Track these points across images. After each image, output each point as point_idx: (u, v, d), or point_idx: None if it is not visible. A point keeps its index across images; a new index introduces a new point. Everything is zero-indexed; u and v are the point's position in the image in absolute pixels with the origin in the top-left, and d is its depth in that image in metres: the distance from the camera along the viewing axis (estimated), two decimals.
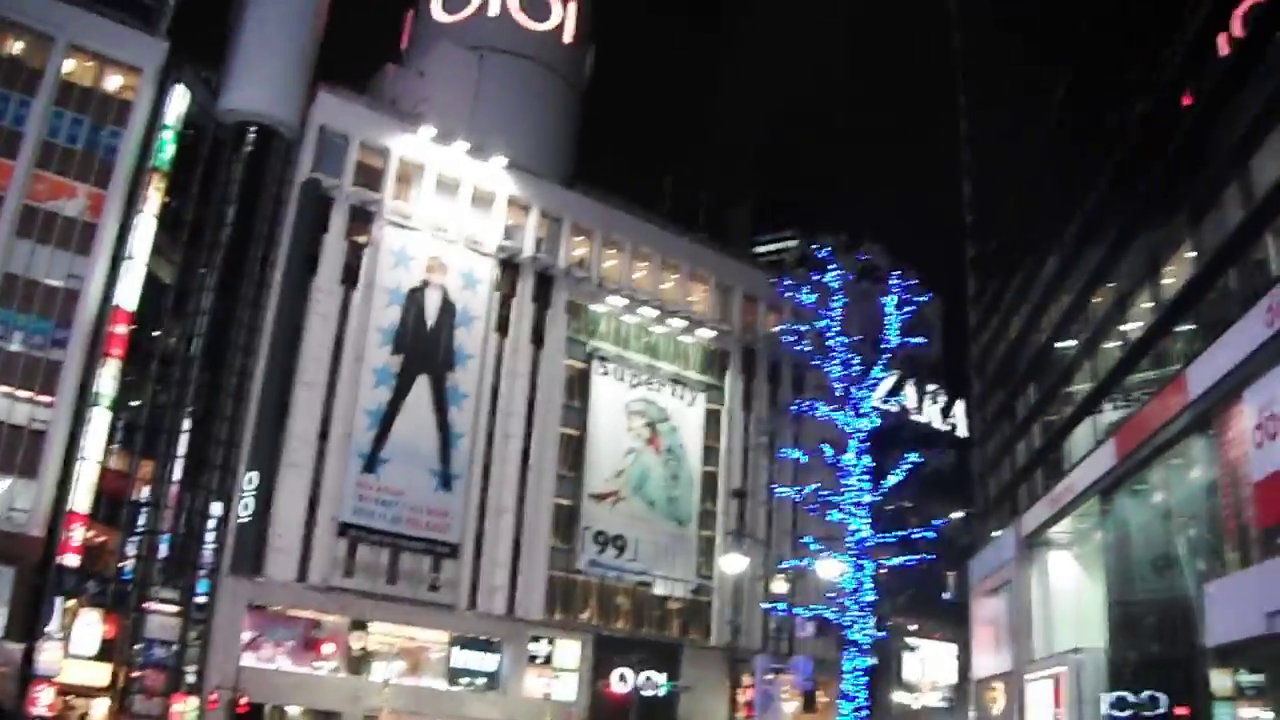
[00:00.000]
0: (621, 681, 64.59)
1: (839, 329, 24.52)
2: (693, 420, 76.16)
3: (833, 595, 24.81)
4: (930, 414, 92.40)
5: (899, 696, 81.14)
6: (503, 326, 69.24)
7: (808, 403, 25.99)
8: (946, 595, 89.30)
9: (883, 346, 24.58)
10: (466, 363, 66.99)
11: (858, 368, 24.64)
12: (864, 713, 22.67)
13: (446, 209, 68.10)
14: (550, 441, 69.53)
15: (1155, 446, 30.07)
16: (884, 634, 24.22)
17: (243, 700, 53.57)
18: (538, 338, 70.44)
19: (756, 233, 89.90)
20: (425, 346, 65.81)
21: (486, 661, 65.16)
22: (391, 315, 64.98)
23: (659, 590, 71.16)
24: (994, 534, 51.56)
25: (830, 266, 24.65)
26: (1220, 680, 26.23)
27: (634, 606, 71.44)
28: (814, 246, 24.57)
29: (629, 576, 70.08)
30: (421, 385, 65.14)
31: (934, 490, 64.27)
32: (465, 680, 64.20)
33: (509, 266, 70.13)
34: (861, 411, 24.27)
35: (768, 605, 34.58)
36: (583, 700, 66.91)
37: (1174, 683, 29.16)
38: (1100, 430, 36.38)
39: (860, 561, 23.32)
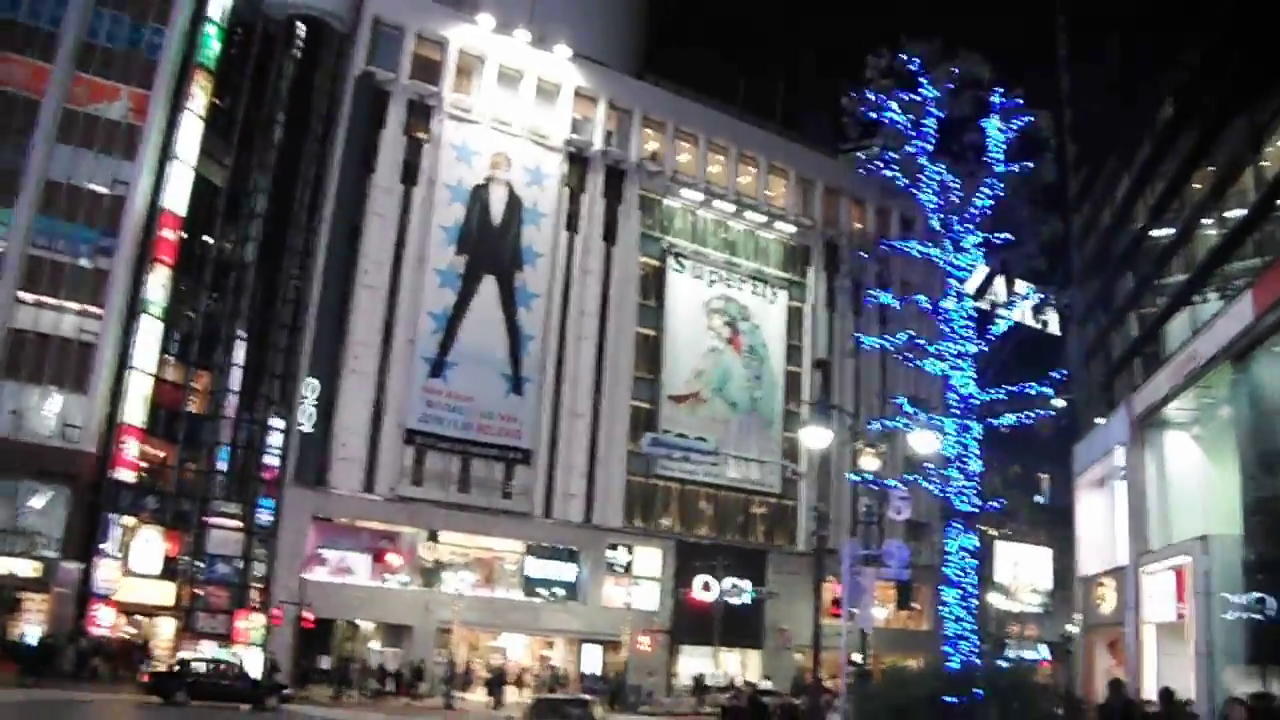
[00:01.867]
0: (705, 589, 62.45)
1: (934, 151, 20.59)
2: (775, 318, 72.71)
3: (931, 469, 21.25)
4: (1022, 312, 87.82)
5: (993, 599, 77.74)
6: (572, 223, 66.12)
7: (898, 242, 22.01)
8: (1040, 499, 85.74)
9: (987, 173, 20.60)
10: (535, 261, 64.02)
11: (957, 194, 20.67)
12: (973, 600, 19.24)
13: (509, 102, 64.83)
14: (625, 342, 66.52)
15: None
16: (997, 504, 20.62)
17: (308, 615, 51.44)
18: (610, 234, 67.24)
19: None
20: (491, 245, 62.92)
21: (563, 571, 62.86)
22: (455, 213, 62.11)
23: (732, 474, 68.57)
24: (1098, 421, 47.69)
25: (921, 79, 20.56)
26: None
27: (717, 512, 68.76)
28: (903, 57, 20.58)
29: (700, 474, 67.25)
30: (488, 286, 62.35)
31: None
32: (542, 590, 61.95)
33: (577, 161, 66.82)
34: (962, 247, 20.38)
35: (854, 477, 30.99)
36: (665, 609, 64.47)
37: None
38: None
39: (965, 423, 19.69)
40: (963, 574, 19.55)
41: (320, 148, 60.57)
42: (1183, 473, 36.44)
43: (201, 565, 55.03)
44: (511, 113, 64.62)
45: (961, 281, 20.26)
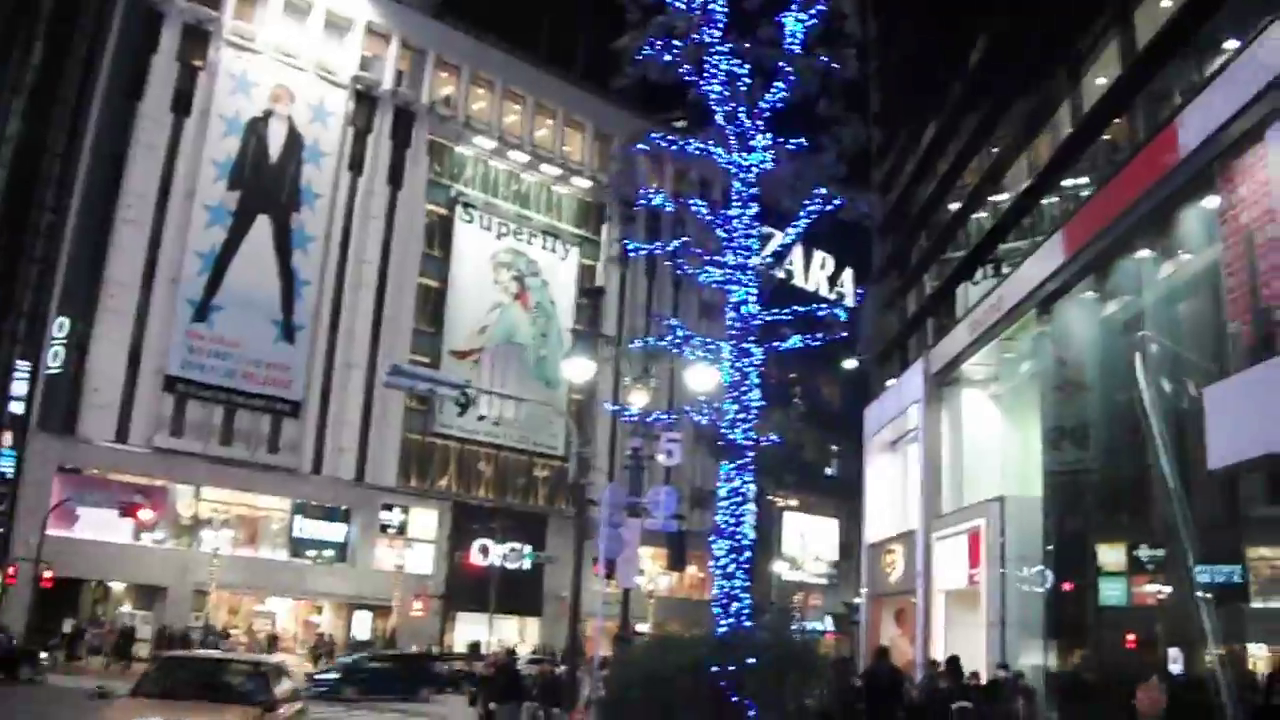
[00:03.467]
0: (482, 553, 60.21)
1: (726, 42, 18.22)
2: (565, 275, 70.68)
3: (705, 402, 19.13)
4: (817, 281, 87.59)
5: (780, 569, 77.53)
6: (356, 165, 62.67)
7: (678, 136, 19.48)
8: (830, 471, 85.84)
9: (781, 64, 18.31)
10: (314, 203, 60.46)
11: (745, 83, 18.40)
12: (746, 554, 17.26)
13: (295, 33, 60.95)
14: (407, 292, 63.57)
15: (1123, 232, 24.53)
16: (776, 439, 18.49)
17: (46, 574, 47.31)
18: (395, 179, 64.01)
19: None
20: (267, 183, 59.13)
21: (333, 531, 59.86)
22: (229, 147, 58.11)
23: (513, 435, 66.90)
24: (890, 382, 46.77)
25: None
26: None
27: (497, 473, 66.65)
28: None
29: (481, 433, 65.36)
30: (262, 226, 58.59)
31: (817, 357, 60.06)
32: (309, 552, 58.87)
33: (365, 99, 63.34)
34: (751, 146, 18.22)
35: (614, 408, 28.75)
36: (440, 573, 62.26)
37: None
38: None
39: (744, 346, 17.62)
40: (734, 522, 17.52)
41: (83, 70, 55.79)
42: (979, 433, 35.40)
43: None
44: (297, 44, 60.75)
45: (747, 185, 18.14)
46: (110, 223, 54.30)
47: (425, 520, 62.92)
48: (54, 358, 51.90)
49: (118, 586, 54.77)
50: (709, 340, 19.15)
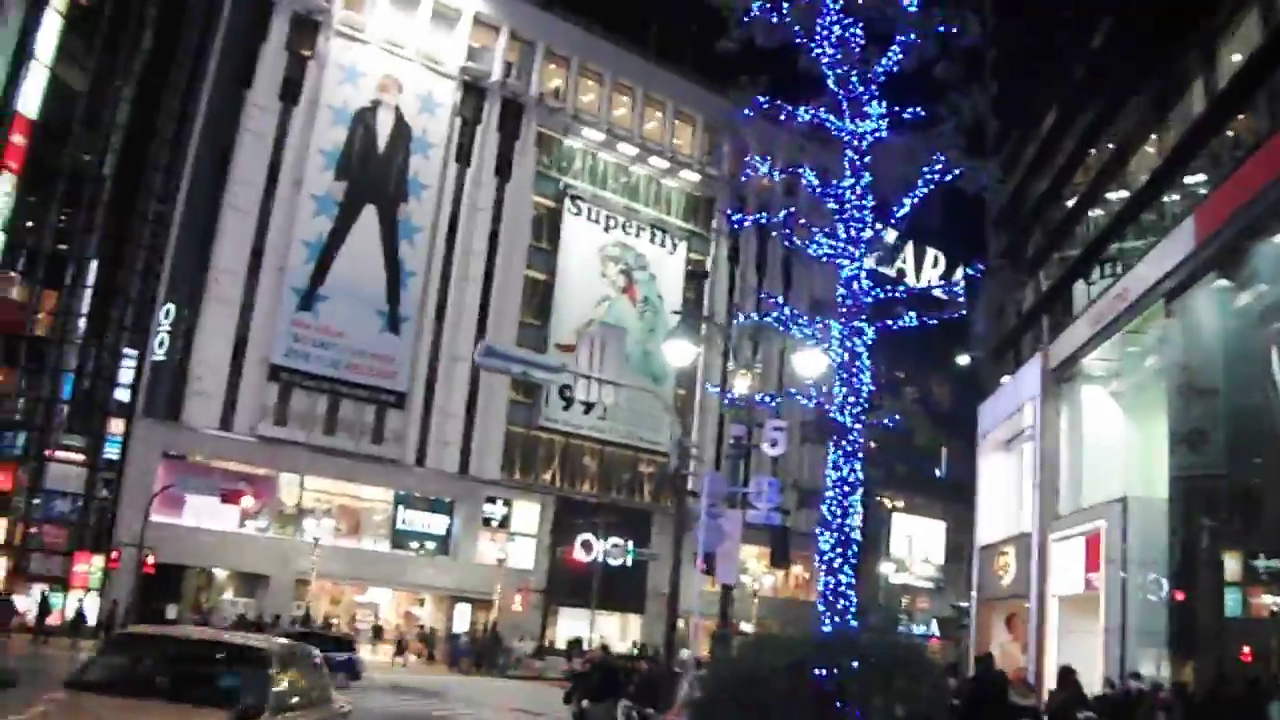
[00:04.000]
0: (585, 549, 59.32)
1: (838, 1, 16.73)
2: (673, 270, 69.44)
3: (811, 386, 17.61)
4: (929, 278, 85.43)
5: (887, 570, 75.77)
6: (464, 156, 62.20)
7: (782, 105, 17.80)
8: (938, 472, 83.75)
9: (897, 24, 16.70)
10: (421, 194, 60.07)
11: (859, 44, 16.87)
12: (853, 549, 15.72)
13: (404, 23, 60.57)
14: (514, 285, 62.93)
15: (1261, 214, 22.58)
16: (892, 421, 16.88)
17: (149, 559, 47.29)
18: (503, 170, 63.42)
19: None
20: (374, 173, 58.87)
21: (435, 523, 59.57)
22: (336, 136, 57.93)
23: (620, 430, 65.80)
24: (1005, 379, 44.78)
25: None
26: None
27: (601, 468, 65.67)
28: None
29: (586, 428, 64.78)
30: (368, 216, 58.31)
31: (928, 354, 58.43)
32: (412, 543, 58.45)
33: (473, 90, 62.85)
34: (864, 112, 16.69)
35: (716, 389, 26.88)
36: (541, 568, 61.48)
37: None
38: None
39: (855, 324, 16.15)
40: (841, 514, 16.11)
41: (194, 58, 56.16)
42: (1099, 432, 33.33)
43: (38, 502, 50.80)
44: (405, 35, 60.39)
45: (859, 155, 16.68)
46: (217, 211, 54.36)
47: (528, 514, 62.25)
48: (160, 345, 52.08)
49: (221, 574, 54.74)
50: (817, 319, 17.76)
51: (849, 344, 16.20)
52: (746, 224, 20.84)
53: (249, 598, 53.43)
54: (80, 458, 51.89)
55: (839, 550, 15.98)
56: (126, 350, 53.03)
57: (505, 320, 61.77)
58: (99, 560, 50.20)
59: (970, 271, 44.23)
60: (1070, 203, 39.73)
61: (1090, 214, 37.68)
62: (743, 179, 19.30)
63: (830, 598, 15.89)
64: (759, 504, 22.11)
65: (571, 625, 60.88)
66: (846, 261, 16.58)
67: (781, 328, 17.96)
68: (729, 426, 27.04)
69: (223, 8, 55.91)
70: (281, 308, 55.35)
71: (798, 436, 27.56)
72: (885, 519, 78.60)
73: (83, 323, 53.27)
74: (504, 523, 61.27)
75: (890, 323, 16.90)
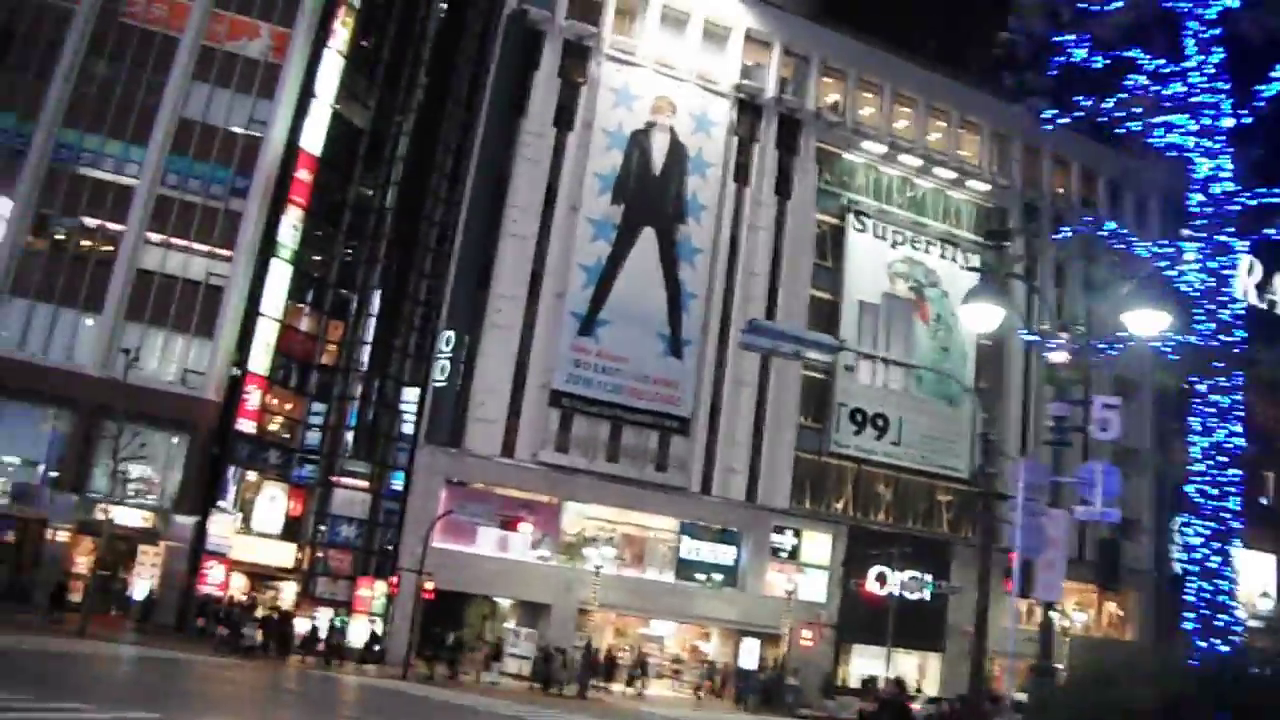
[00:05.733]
0: (879, 582, 56.22)
1: None
2: (966, 285, 65.26)
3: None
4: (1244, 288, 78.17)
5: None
6: (742, 175, 60.44)
7: None
8: (1265, 500, 76.44)
9: None
10: (700, 214, 58.49)
11: None
12: (1233, 540, 12.27)
13: (674, 44, 59.51)
14: (798, 304, 60.38)
15: None
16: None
17: (429, 585, 46.70)
18: (783, 188, 61.29)
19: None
20: (651, 195, 57.66)
21: (721, 554, 57.16)
22: (612, 160, 57.04)
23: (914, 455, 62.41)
24: None
25: None
26: None
27: (896, 497, 62.20)
28: None
29: (879, 454, 61.63)
30: (647, 238, 57.01)
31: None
32: (698, 574, 56.39)
33: (748, 108, 61.12)
34: None
35: (1032, 336, 21.63)
36: (833, 601, 58.28)
37: None
38: None
39: (1219, 238, 12.84)
40: (1217, 494, 12.68)
41: (468, 90, 56.67)
42: None
43: (324, 528, 51.23)
44: (676, 56, 59.29)
45: (1206, 26, 13.43)
46: (496, 238, 54.13)
47: (818, 545, 59.31)
48: (441, 372, 51.89)
49: (504, 603, 53.96)
50: (1165, 241, 14.38)
51: (1213, 265, 12.97)
52: (1065, 121, 17.38)
53: (530, 627, 52.41)
54: (365, 484, 52.31)
55: (1215, 544, 12.56)
56: (409, 378, 53.06)
57: None
58: (381, 586, 50.14)
59: None
60: None
61: None
62: (1052, 68, 16.09)
63: (1205, 611, 12.35)
64: (1090, 497, 17.33)
65: (865, 663, 57.67)
66: (1201, 159, 13.39)
67: (1118, 244, 14.69)
68: (1039, 415, 22.05)
69: (495, 40, 56.12)
70: (561, 333, 54.53)
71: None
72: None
73: (367, 351, 53.73)
74: (793, 554, 58.54)
75: (1273, 232, 13.47)
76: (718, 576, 56.72)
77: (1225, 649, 11.44)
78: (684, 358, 56.97)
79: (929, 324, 64.02)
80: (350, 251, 54.66)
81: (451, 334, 52.09)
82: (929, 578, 57.60)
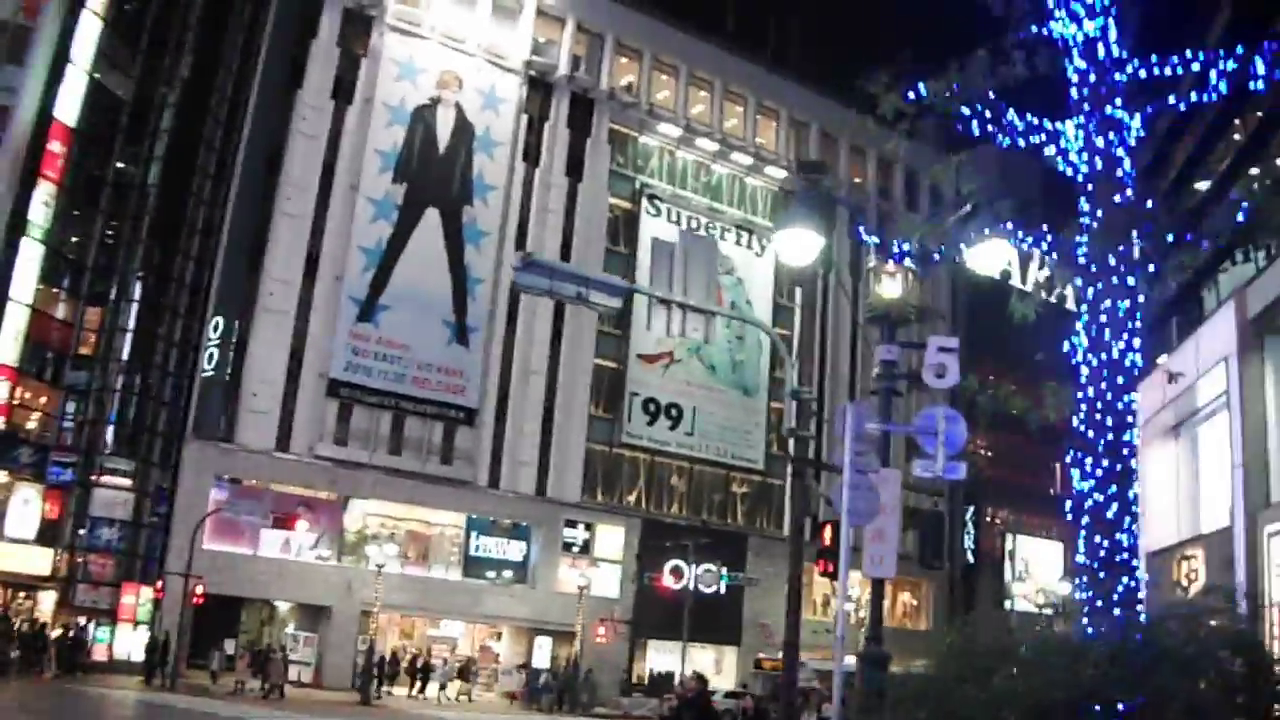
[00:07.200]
0: (674, 575, 54.40)
1: None
2: (762, 273, 64.42)
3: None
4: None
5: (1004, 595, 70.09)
6: (531, 155, 58.20)
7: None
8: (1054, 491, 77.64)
9: None
10: (487, 195, 56.03)
11: None
12: (1132, 484, 10.14)
13: (462, 16, 56.81)
14: None
15: None
16: None
17: (198, 590, 43.32)
18: (575, 169, 59.28)
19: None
20: (436, 174, 55.01)
21: (511, 549, 55.13)
22: (394, 136, 54.19)
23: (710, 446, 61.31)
24: (1160, 360, 38.38)
25: None
26: None
27: (691, 488, 60.79)
28: None
29: (673, 444, 60.35)
30: (431, 220, 54.40)
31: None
32: (486, 571, 54.07)
33: (539, 86, 58.88)
34: None
35: (868, 234, 17.63)
36: (627, 596, 56.50)
37: None
38: None
39: (1107, 111, 10.82)
40: (1114, 424, 10.75)
41: (240, 59, 53.13)
42: None
43: (84, 531, 47.31)
44: (464, 28, 56.61)
45: None
46: (269, 218, 51.04)
47: (612, 539, 57.52)
48: (209, 360, 48.39)
49: (284, 606, 50.85)
50: (1036, 124, 12.16)
51: (1102, 149, 11.13)
52: None
53: (312, 631, 49.46)
54: (128, 483, 48.36)
55: (1114, 489, 10.63)
56: (174, 367, 49.44)
57: (583, 329, 57.48)
58: (148, 592, 46.53)
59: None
60: None
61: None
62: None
63: (1101, 574, 10.38)
64: (929, 448, 13.56)
65: (660, 659, 56.22)
66: (1081, 26, 11.43)
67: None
68: (873, 355, 18.08)
69: (270, 6, 52.71)
70: (339, 319, 51.62)
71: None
72: (999, 537, 73.06)
73: (129, 340, 49.86)
74: (585, 548, 56.63)
75: (1176, 102, 11.62)
76: (508, 573, 54.68)
77: (1131, 620, 9.62)
78: (470, 345, 54.61)
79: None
80: (111, 232, 50.54)
81: (220, 320, 48.62)
82: (725, 570, 56.24)
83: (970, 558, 69.12)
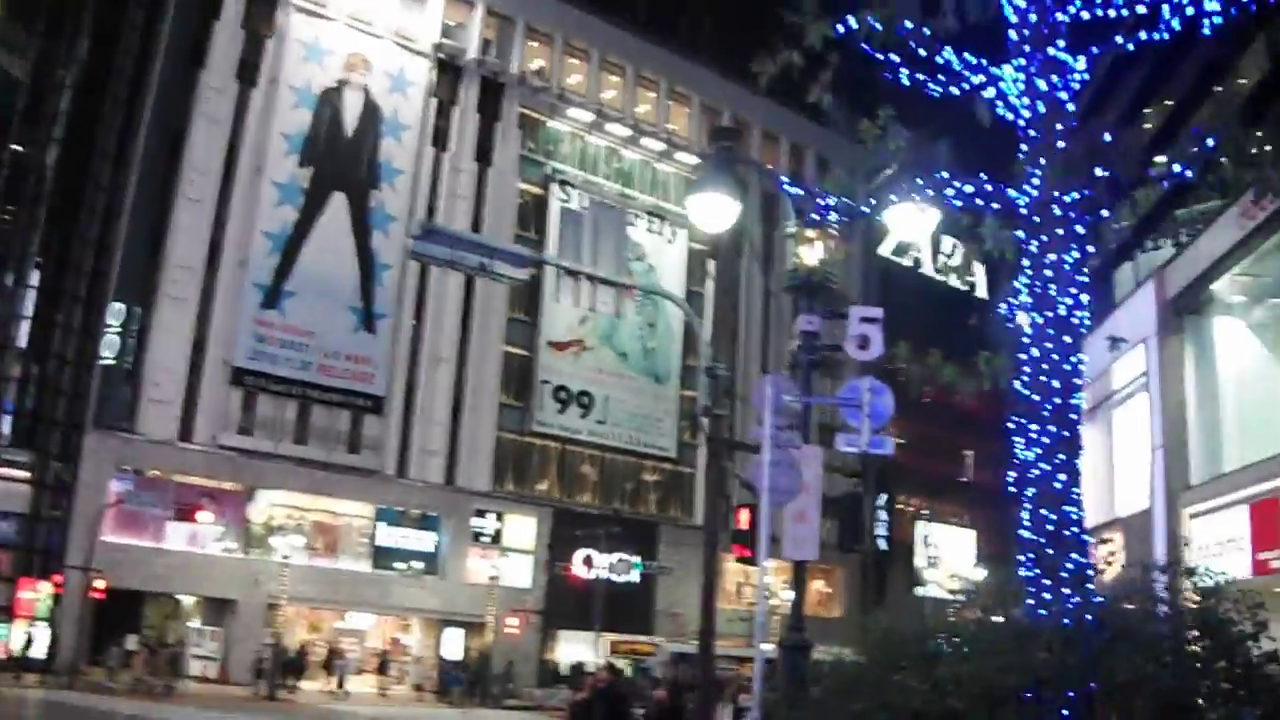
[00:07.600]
0: (586, 565, 54.19)
1: None
2: (673, 260, 64.18)
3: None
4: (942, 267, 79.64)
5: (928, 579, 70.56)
6: (440, 139, 57.32)
7: None
8: (965, 478, 78.38)
9: None
10: (395, 180, 55.13)
11: None
12: (1078, 451, 9.73)
13: None
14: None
15: None
16: None
17: (98, 584, 42.21)
18: (484, 154, 58.53)
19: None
20: (342, 158, 54.02)
21: (420, 540, 54.36)
22: (300, 119, 53.10)
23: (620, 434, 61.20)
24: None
25: None
26: None
27: (603, 477, 60.48)
28: None
29: (584, 433, 60.24)
30: (337, 204, 53.43)
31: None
32: (395, 563, 53.27)
33: (448, 69, 58.02)
34: None
35: (786, 183, 16.87)
36: (538, 587, 56.13)
37: None
38: None
39: (1052, 53, 10.42)
40: (1061, 386, 10.37)
41: (141, 39, 51.41)
42: (1242, 377, 26.33)
43: None
44: (372, 10, 55.64)
45: None
46: (170, 202, 49.78)
47: (522, 528, 56.93)
48: (109, 348, 47.11)
49: (188, 600, 49.73)
50: (974, 65, 11.65)
51: (1044, 94, 10.78)
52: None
53: (217, 625, 48.44)
54: (25, 475, 46.94)
55: (1062, 457, 10.32)
56: (72, 355, 48.14)
57: (492, 316, 56.95)
58: (46, 587, 45.18)
59: None
60: None
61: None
62: None
63: (1050, 550, 10.01)
64: (855, 423, 12.77)
65: (573, 649, 55.67)
66: None
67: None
68: (794, 329, 17.23)
69: None
70: (243, 306, 50.53)
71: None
72: (908, 525, 73.48)
73: (25, 328, 48.52)
74: (496, 538, 55.94)
75: (1125, 42, 11.25)
76: (417, 564, 53.88)
77: (1081, 601, 9.30)
78: (377, 332, 53.80)
79: (635, 298, 62.24)
80: (8, 217, 49.16)
81: (121, 307, 47.39)
82: (637, 559, 56.09)
83: (883, 544, 69.37)
